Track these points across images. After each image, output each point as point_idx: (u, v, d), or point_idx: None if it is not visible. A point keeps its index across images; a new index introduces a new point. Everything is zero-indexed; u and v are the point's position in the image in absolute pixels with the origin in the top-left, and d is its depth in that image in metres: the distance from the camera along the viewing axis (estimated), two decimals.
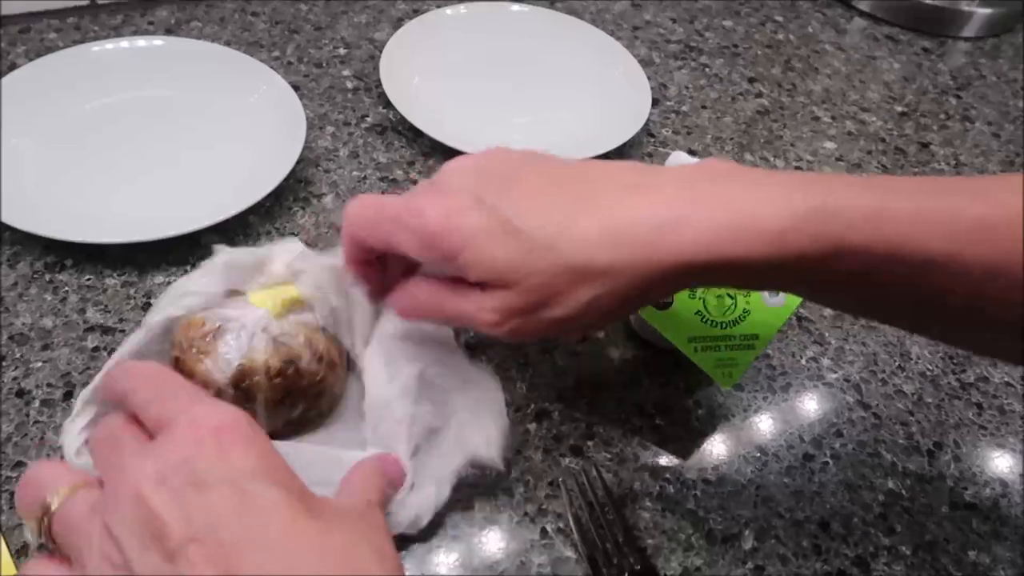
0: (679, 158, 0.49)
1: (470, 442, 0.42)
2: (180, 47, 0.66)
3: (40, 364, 0.47)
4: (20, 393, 0.45)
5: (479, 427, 0.42)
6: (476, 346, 0.51)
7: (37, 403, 0.45)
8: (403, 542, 0.41)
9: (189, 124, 0.62)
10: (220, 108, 0.63)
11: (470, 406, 0.42)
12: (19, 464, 0.42)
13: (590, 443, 0.48)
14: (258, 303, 0.41)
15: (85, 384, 0.46)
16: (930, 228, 0.30)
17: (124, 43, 0.65)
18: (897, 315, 0.37)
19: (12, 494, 0.41)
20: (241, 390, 0.37)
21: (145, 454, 0.29)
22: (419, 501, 0.40)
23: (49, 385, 0.46)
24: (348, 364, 0.44)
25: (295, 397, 0.40)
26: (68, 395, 0.45)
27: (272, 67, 0.64)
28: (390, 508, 0.39)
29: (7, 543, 0.39)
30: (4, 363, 0.46)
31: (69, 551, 0.29)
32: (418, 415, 0.41)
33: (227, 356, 0.38)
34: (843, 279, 0.32)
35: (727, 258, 0.31)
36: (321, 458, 0.39)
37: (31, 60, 0.61)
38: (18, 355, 0.47)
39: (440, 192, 0.34)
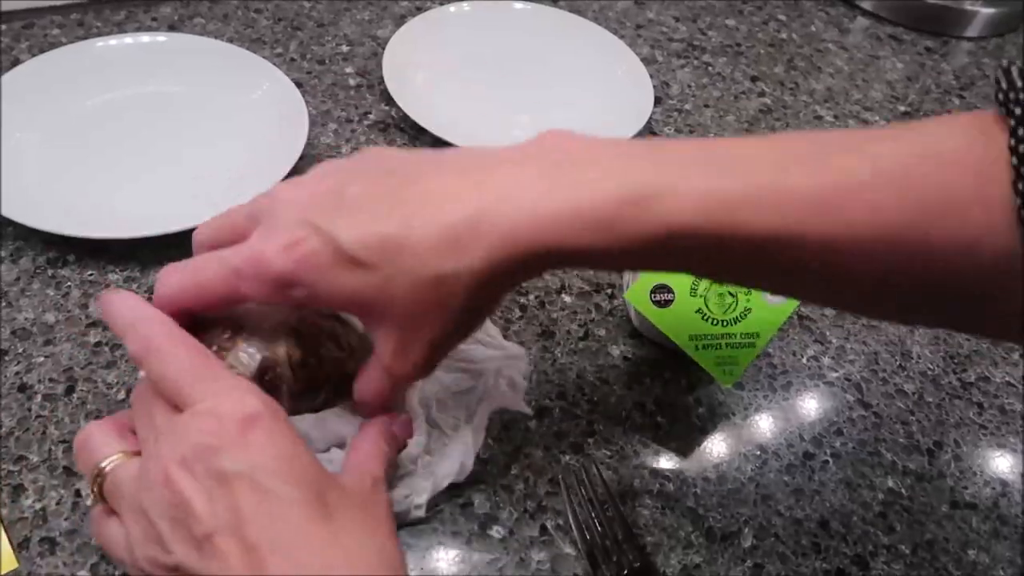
0: None
1: (498, 391, 0.45)
2: (183, 43, 0.66)
3: (42, 359, 0.47)
4: (22, 388, 0.45)
5: (505, 379, 0.45)
6: None
7: (39, 398, 0.45)
8: (403, 539, 0.41)
9: (191, 120, 0.62)
10: (222, 105, 0.63)
11: (496, 363, 0.46)
12: (21, 458, 0.43)
13: (590, 440, 0.48)
14: None
15: (87, 379, 0.46)
16: (760, 208, 0.28)
17: (128, 39, 0.65)
18: (785, 290, 0.36)
19: (14, 488, 0.41)
20: (265, 383, 0.38)
21: (173, 432, 0.30)
22: (462, 448, 0.43)
23: (51, 380, 0.46)
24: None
25: (318, 385, 0.40)
26: (70, 390, 0.46)
27: (275, 64, 0.64)
28: (435, 459, 0.43)
29: (8, 536, 0.40)
30: (6, 358, 0.47)
31: (118, 513, 0.31)
32: (441, 379, 0.44)
33: (249, 350, 0.38)
34: (697, 258, 0.31)
35: (562, 246, 0.29)
36: (341, 423, 0.42)
37: (34, 56, 0.62)
38: (20, 350, 0.47)
39: (272, 228, 0.31)
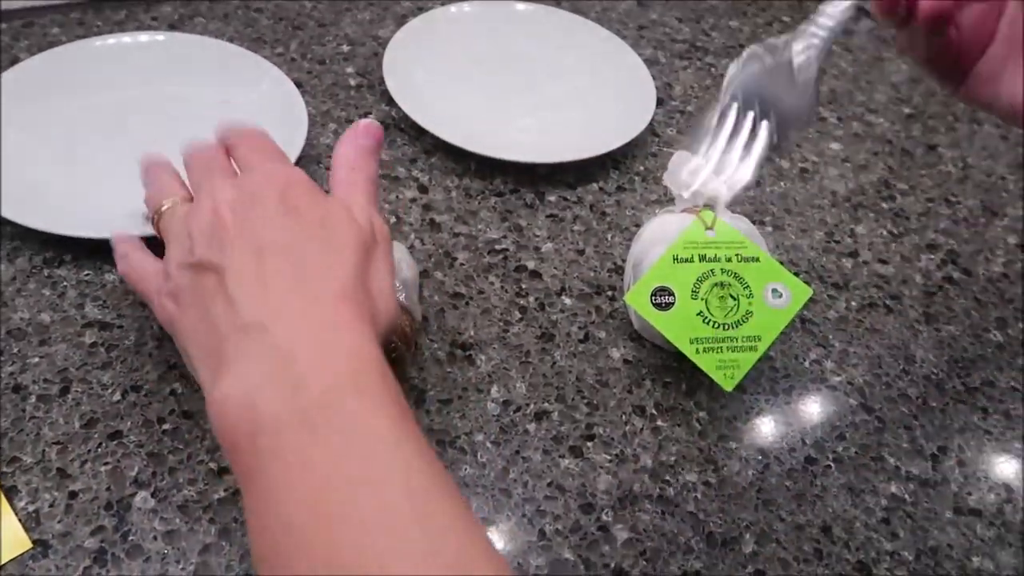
0: (682, 158, 0.49)
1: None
2: (182, 42, 0.66)
3: (37, 359, 0.46)
4: (17, 388, 0.45)
5: None
6: (474, 345, 0.51)
7: (34, 398, 0.45)
8: None
9: (189, 120, 0.61)
10: (220, 105, 0.62)
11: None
12: (15, 459, 0.42)
13: (590, 444, 0.47)
14: None
15: (82, 380, 0.46)
16: None
17: (126, 38, 0.65)
18: None
19: (8, 490, 0.41)
20: None
21: (230, 183, 0.37)
22: None
23: (46, 380, 0.46)
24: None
25: None
26: (64, 391, 0.45)
27: (275, 63, 0.64)
28: None
29: (20, 519, 0.39)
30: (1, 358, 0.46)
31: (165, 241, 0.38)
32: None
33: None
34: None
35: None
36: None
37: (33, 55, 0.61)
38: (15, 350, 0.47)
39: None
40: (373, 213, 0.38)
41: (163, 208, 0.39)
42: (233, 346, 0.32)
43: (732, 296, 0.47)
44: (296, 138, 0.58)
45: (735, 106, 0.45)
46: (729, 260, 0.48)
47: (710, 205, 0.49)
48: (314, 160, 0.61)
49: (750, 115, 0.44)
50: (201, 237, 0.35)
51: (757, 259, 0.48)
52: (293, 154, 0.56)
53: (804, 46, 0.40)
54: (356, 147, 0.40)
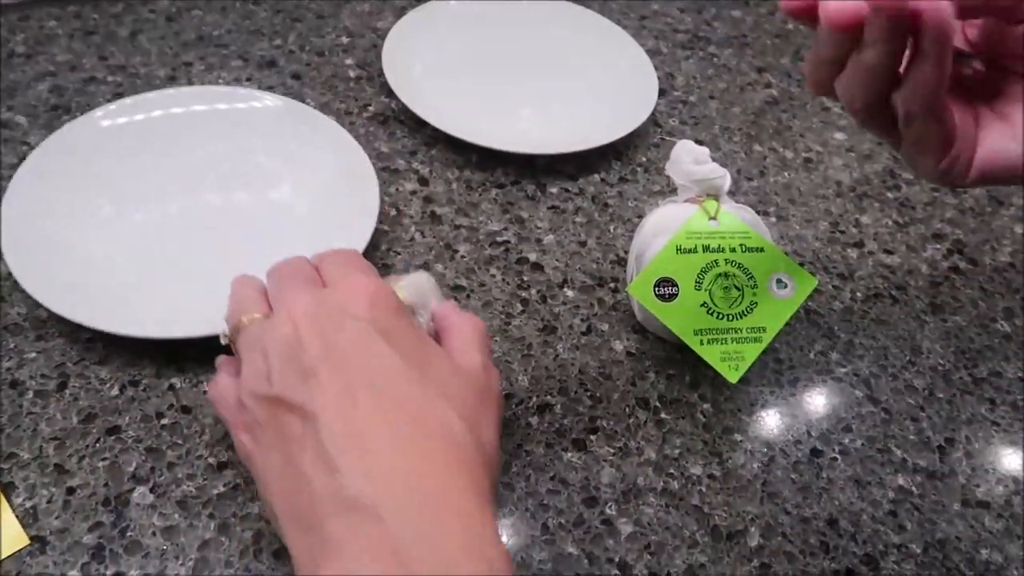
0: (686, 147, 0.48)
1: None
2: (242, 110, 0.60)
3: (34, 355, 0.46)
4: (13, 384, 0.45)
5: None
6: None
7: (31, 394, 0.44)
8: None
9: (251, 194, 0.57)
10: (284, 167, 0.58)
11: None
12: (12, 455, 0.42)
13: (592, 437, 0.47)
14: None
15: (80, 375, 0.45)
16: None
17: (181, 109, 0.59)
18: None
19: (5, 486, 0.41)
20: None
21: (310, 293, 0.34)
22: None
23: (43, 376, 0.45)
24: None
25: None
26: (62, 386, 0.45)
27: (274, 55, 0.63)
28: None
29: (17, 516, 0.39)
30: None
31: (240, 360, 0.35)
32: None
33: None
34: None
35: None
36: None
37: (30, 47, 0.61)
38: (12, 345, 0.46)
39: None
40: (480, 349, 0.36)
41: (242, 323, 0.35)
42: (339, 527, 0.28)
43: (736, 287, 0.47)
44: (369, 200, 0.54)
45: None
46: (733, 250, 0.47)
47: (713, 195, 0.48)
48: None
49: None
50: (279, 361, 0.32)
51: (761, 249, 0.47)
52: (368, 230, 0.52)
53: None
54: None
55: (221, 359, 0.38)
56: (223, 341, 0.38)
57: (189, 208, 0.54)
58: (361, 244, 0.51)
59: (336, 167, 0.57)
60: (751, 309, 0.46)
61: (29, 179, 0.51)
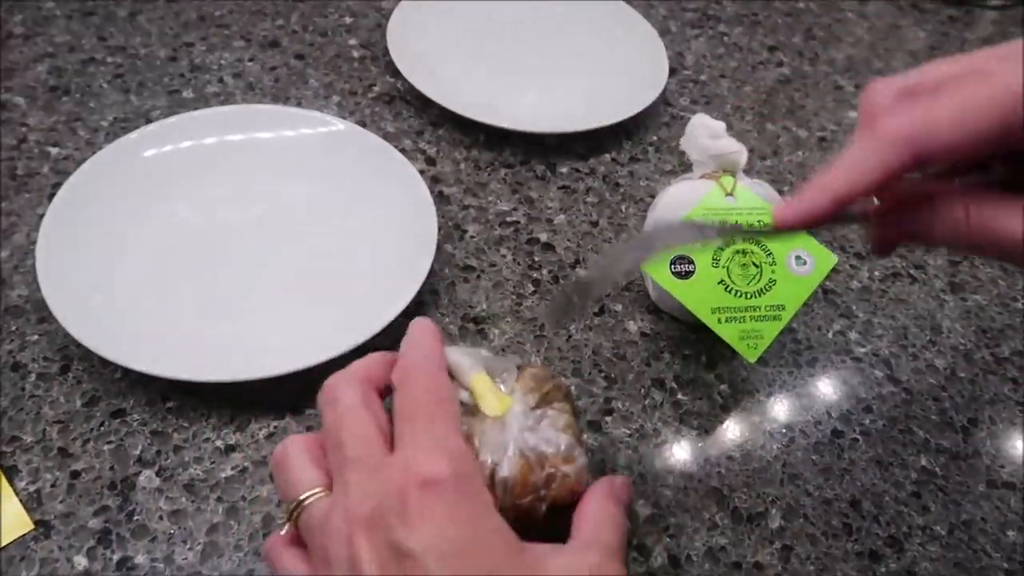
0: (702, 121, 0.47)
1: None
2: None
3: (36, 337, 0.45)
4: (16, 367, 0.44)
5: None
6: (487, 319, 0.49)
7: (33, 377, 0.43)
8: None
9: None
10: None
11: None
12: (14, 439, 0.41)
13: (608, 419, 0.46)
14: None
15: (83, 358, 0.44)
16: None
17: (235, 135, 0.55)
18: None
19: (8, 470, 0.39)
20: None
21: (368, 478, 0.28)
22: None
23: (46, 359, 0.44)
24: None
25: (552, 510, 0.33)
26: (65, 369, 0.44)
27: (277, 37, 0.62)
28: None
29: (21, 500, 0.38)
30: (0, 336, 0.45)
31: (306, 542, 0.30)
32: None
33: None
34: None
35: None
36: None
37: (28, 28, 0.59)
38: (13, 328, 0.45)
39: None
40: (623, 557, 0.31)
41: (304, 503, 0.30)
42: None
43: (754, 264, 0.45)
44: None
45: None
46: (751, 227, 0.46)
47: (730, 170, 0.47)
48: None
49: None
50: (339, 569, 0.28)
51: None
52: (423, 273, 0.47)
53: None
54: (612, 487, 0.33)
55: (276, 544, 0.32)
56: (282, 519, 0.33)
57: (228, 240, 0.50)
58: (414, 286, 0.47)
59: (393, 199, 0.52)
60: (770, 287, 0.45)
61: (67, 204, 0.48)
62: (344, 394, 0.31)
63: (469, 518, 0.28)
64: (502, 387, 0.33)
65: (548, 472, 0.32)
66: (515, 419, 0.32)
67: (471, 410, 0.32)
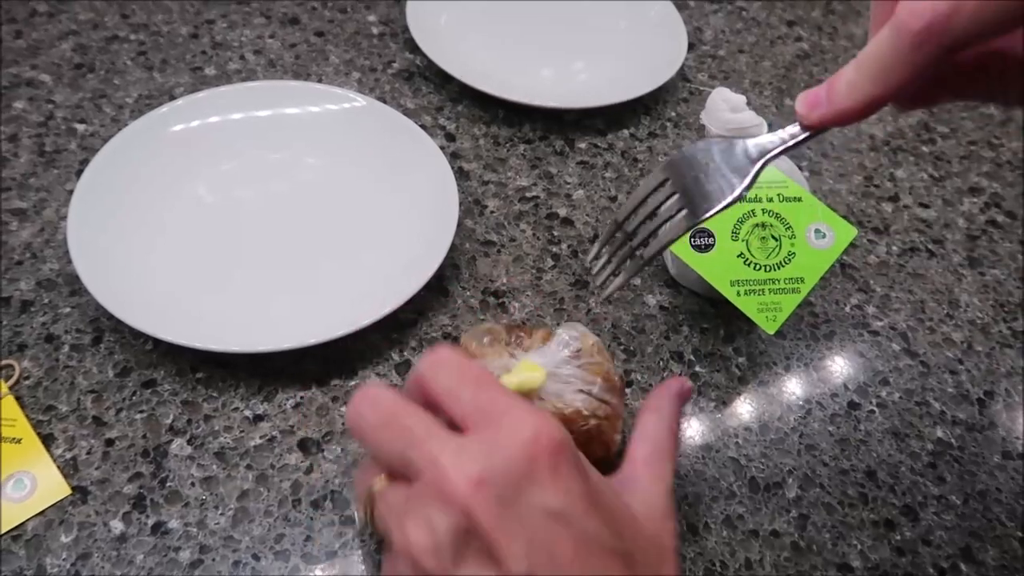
0: (722, 94, 0.47)
1: None
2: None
3: (68, 309, 0.46)
4: (49, 338, 0.45)
5: None
6: (507, 292, 0.50)
7: (67, 348, 0.44)
8: None
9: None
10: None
11: None
12: (50, 408, 0.42)
13: (627, 391, 0.46)
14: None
15: (114, 330, 0.45)
16: None
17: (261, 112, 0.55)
18: None
19: (44, 438, 0.41)
20: None
21: (463, 449, 0.26)
22: None
23: (78, 330, 0.45)
24: None
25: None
26: (97, 340, 0.45)
27: (294, 13, 0.62)
28: None
29: (58, 465, 0.39)
30: (32, 308, 0.46)
31: (386, 536, 0.28)
32: None
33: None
34: None
35: None
36: None
37: (52, 6, 0.60)
38: (46, 300, 0.46)
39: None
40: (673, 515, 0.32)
41: (373, 490, 0.29)
42: None
43: (774, 237, 0.46)
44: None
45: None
46: (771, 200, 0.46)
47: None
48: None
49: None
50: (449, 548, 0.25)
51: (799, 199, 0.47)
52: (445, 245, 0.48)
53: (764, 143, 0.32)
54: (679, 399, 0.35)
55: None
56: (359, 523, 0.34)
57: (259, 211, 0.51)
58: (436, 261, 0.47)
59: (417, 174, 0.52)
60: (789, 259, 0.46)
61: (96, 181, 0.48)
62: (380, 396, 0.29)
63: (591, 474, 0.28)
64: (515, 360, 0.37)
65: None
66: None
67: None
